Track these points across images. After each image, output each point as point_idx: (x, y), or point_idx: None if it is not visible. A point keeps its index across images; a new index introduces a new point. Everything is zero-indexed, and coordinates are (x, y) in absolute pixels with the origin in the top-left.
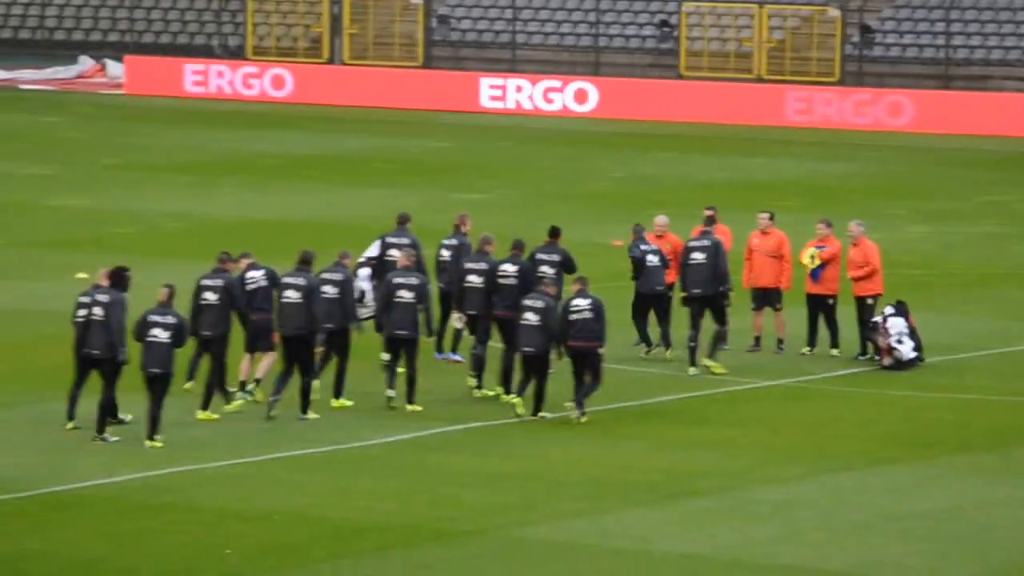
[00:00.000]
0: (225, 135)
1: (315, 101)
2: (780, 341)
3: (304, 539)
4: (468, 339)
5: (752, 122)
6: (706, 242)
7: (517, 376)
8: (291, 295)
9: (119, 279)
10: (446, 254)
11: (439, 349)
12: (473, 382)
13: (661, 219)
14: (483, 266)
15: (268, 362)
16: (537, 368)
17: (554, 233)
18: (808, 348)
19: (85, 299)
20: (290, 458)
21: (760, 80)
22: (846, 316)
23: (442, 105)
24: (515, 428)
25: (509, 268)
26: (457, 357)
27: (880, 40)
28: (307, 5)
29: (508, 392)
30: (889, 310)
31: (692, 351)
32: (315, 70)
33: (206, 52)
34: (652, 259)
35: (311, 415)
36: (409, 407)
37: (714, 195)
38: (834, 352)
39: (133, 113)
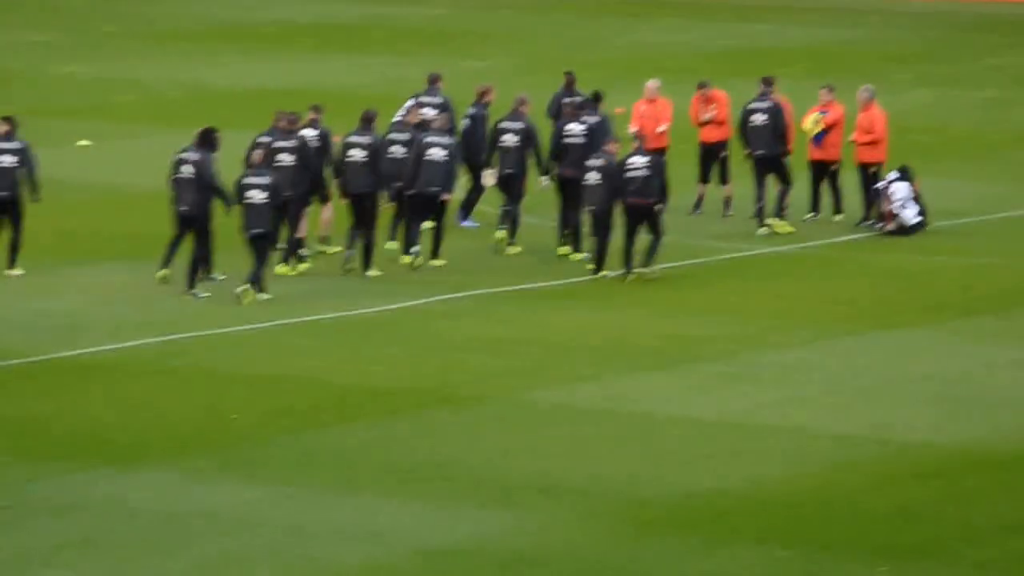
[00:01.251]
0: (226, 3)
1: None
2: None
3: (312, 403)
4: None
5: None
6: (767, 103)
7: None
8: (355, 154)
9: (208, 139)
10: (465, 123)
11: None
12: (503, 235)
13: (652, 83)
14: (519, 126)
15: (328, 215)
16: (601, 225)
17: (597, 98)
18: (811, 214)
19: (179, 156)
20: (298, 324)
21: None
22: (849, 182)
23: None
24: (519, 295)
25: (576, 128)
26: (469, 223)
27: None
28: None
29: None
30: (893, 175)
31: (759, 211)
32: None
33: None
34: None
35: (373, 272)
36: (434, 262)
37: (717, 63)
38: (837, 218)
39: None
